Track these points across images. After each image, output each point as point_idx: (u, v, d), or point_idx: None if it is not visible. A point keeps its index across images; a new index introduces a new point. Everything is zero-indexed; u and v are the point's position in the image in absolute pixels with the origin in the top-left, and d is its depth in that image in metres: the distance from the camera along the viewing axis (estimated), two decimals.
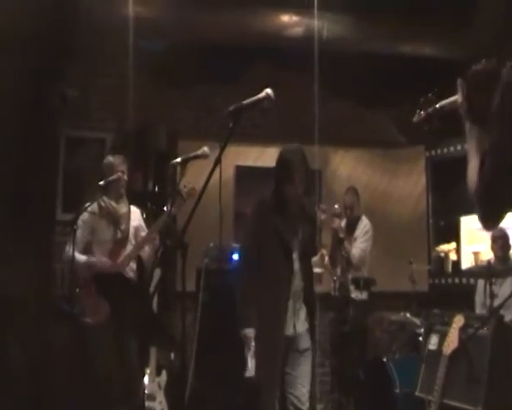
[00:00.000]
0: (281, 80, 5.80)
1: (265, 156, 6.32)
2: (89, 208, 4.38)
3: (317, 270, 4.14)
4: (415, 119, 2.28)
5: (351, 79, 5.89)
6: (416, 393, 3.84)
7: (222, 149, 2.25)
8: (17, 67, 4.95)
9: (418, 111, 2.25)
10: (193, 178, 4.27)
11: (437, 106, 2.18)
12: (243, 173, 6.27)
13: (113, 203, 4.43)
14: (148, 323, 2.66)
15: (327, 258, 5.10)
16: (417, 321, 4.66)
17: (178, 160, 3.19)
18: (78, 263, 4.24)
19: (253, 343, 3.21)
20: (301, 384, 3.34)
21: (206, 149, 3.20)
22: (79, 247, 4.37)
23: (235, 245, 5.40)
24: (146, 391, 4.21)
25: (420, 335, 4.50)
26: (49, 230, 5.68)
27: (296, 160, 3.51)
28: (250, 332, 3.23)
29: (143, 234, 4.46)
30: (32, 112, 5.28)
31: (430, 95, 2.26)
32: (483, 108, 1.86)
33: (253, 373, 3.18)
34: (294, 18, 5.51)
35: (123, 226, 4.42)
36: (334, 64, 5.36)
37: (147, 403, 4.12)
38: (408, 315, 4.80)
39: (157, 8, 5.41)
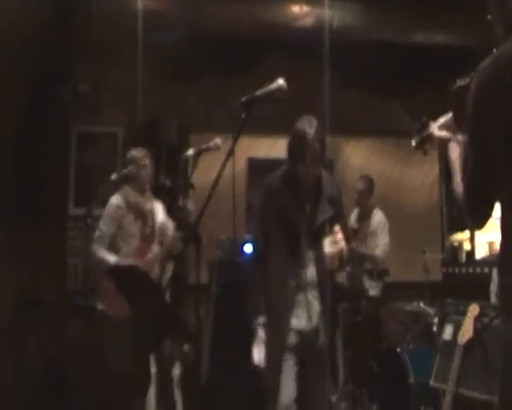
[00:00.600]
0: (292, 71, 5.72)
1: (277, 148, 6.30)
2: (114, 202, 4.35)
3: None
4: (413, 144, 2.40)
5: (363, 68, 5.86)
6: (431, 383, 3.83)
7: (235, 141, 2.24)
8: (29, 65, 4.97)
9: (414, 138, 2.37)
10: (205, 171, 4.27)
11: (430, 130, 2.29)
12: (255, 165, 6.26)
13: (140, 198, 4.39)
14: (161, 315, 2.66)
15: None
16: (431, 311, 4.63)
17: (190, 152, 3.19)
18: (105, 262, 4.21)
19: (263, 332, 3.02)
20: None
21: (218, 140, 3.21)
22: (105, 241, 4.34)
23: (248, 237, 5.40)
24: (160, 384, 4.23)
25: (434, 325, 4.48)
26: (62, 224, 5.72)
27: (309, 134, 3.07)
28: (261, 321, 3.04)
29: (169, 232, 4.40)
30: (43, 108, 5.31)
31: (424, 119, 2.35)
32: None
33: (263, 363, 3.00)
34: (305, 8, 5.48)
35: (150, 222, 4.38)
36: (346, 54, 5.34)
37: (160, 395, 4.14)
38: (422, 305, 4.77)
39: (166, 2, 5.41)
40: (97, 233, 4.36)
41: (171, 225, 4.44)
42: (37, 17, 4.85)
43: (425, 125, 2.41)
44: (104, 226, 4.34)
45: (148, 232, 4.33)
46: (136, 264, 4.08)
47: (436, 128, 2.30)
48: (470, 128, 1.84)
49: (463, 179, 1.89)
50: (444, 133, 2.27)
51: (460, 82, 2.13)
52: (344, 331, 5.26)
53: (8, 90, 4.75)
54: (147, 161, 4.40)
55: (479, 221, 1.91)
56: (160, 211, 4.51)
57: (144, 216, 4.35)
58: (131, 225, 4.34)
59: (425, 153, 2.49)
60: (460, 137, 2.14)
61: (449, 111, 2.30)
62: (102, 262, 4.23)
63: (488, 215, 1.87)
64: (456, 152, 2.08)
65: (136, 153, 4.43)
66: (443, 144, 2.26)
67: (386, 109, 6.53)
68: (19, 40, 4.74)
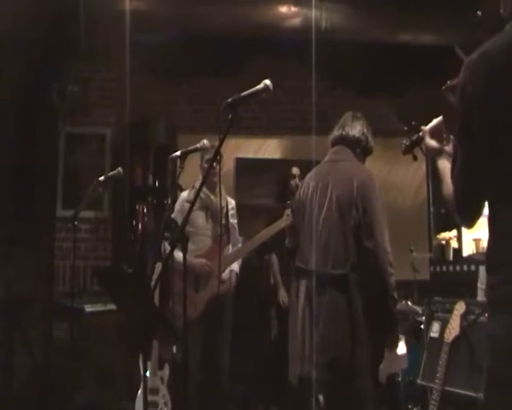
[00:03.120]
0: (280, 71, 5.80)
1: (265, 148, 6.33)
2: (184, 195, 4.32)
3: None
4: (402, 151, 2.41)
5: (350, 68, 5.89)
6: (418, 381, 3.86)
7: (221, 142, 2.24)
8: (15, 65, 4.95)
9: (404, 142, 2.38)
10: (193, 171, 4.28)
11: (420, 133, 2.30)
12: (243, 165, 6.28)
13: (212, 196, 4.28)
14: (149, 316, 2.66)
15: None
16: (419, 309, 4.66)
17: (178, 153, 3.19)
18: (175, 261, 4.20)
19: None
20: None
21: (205, 141, 3.21)
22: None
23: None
24: (149, 385, 4.22)
25: (422, 323, 4.51)
26: (50, 226, 5.70)
27: None
28: None
29: (237, 234, 4.40)
30: (31, 109, 5.28)
31: (413, 123, 2.35)
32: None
33: None
34: (293, 9, 5.49)
35: (223, 221, 4.28)
36: (333, 54, 5.35)
37: (150, 397, 4.12)
38: (409, 303, 4.80)
39: (154, 2, 5.40)
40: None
41: (235, 222, 4.45)
42: (25, 18, 4.83)
43: (415, 129, 2.41)
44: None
45: (220, 233, 4.22)
46: (205, 263, 4.16)
47: (427, 134, 2.30)
48: (459, 123, 1.83)
49: (452, 178, 1.90)
50: (434, 143, 2.26)
51: (450, 82, 2.14)
52: None
53: None
54: (206, 157, 4.20)
55: (469, 219, 1.93)
56: (232, 212, 4.45)
57: (215, 215, 4.24)
58: (202, 223, 4.28)
59: (414, 158, 2.50)
60: (449, 148, 2.18)
61: (439, 114, 2.30)
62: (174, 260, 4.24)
63: (479, 213, 1.89)
64: (444, 163, 2.11)
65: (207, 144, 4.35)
66: (432, 153, 2.26)
67: (374, 109, 6.54)
68: (6, 41, 4.73)
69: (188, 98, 6.32)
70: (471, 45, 2.04)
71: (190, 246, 4.15)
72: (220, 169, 4.09)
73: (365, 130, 3.26)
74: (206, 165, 4.23)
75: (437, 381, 3.50)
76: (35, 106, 5.37)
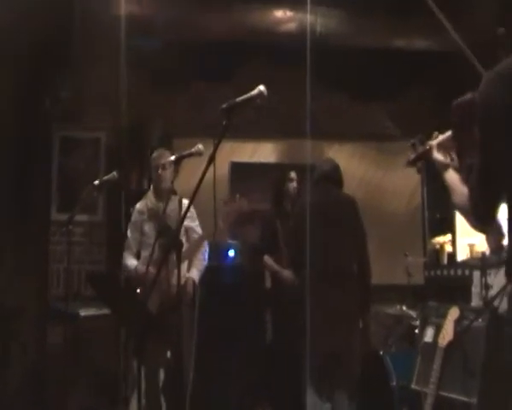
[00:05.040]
0: (275, 76, 5.81)
1: (260, 152, 6.35)
2: (137, 207, 4.32)
3: None
4: (406, 161, 2.44)
5: (345, 73, 5.90)
6: (412, 386, 3.86)
7: (215, 148, 2.25)
8: (9, 70, 4.95)
9: (410, 154, 2.41)
10: (187, 176, 4.28)
11: (427, 147, 2.32)
12: (238, 169, 6.29)
13: (159, 203, 4.22)
14: (143, 322, 2.66)
15: None
16: (413, 314, 4.67)
17: (172, 158, 3.20)
18: (126, 268, 4.20)
19: None
20: None
21: (200, 146, 3.21)
22: (131, 247, 4.31)
23: (231, 242, 5.42)
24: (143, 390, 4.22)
25: (416, 327, 4.52)
26: (44, 230, 5.69)
27: None
28: None
29: (196, 236, 4.25)
30: (25, 113, 5.28)
31: (419, 136, 2.38)
32: (469, 137, 2.03)
33: None
34: (288, 13, 5.51)
35: (174, 226, 4.07)
36: (328, 59, 5.36)
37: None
38: (404, 308, 4.81)
39: (149, 6, 5.41)
40: (126, 240, 4.37)
41: (199, 230, 4.32)
42: (19, 22, 4.83)
43: (421, 143, 2.43)
44: (129, 232, 4.35)
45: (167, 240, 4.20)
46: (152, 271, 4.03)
47: (435, 148, 2.33)
48: (481, 134, 1.88)
49: (469, 186, 1.96)
50: (442, 157, 2.29)
51: (462, 98, 2.21)
52: None
53: None
54: (160, 162, 4.23)
55: (486, 224, 2.01)
56: (188, 215, 4.24)
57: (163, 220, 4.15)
58: (150, 230, 4.24)
59: (419, 171, 2.52)
60: (456, 162, 2.24)
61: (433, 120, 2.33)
62: (125, 268, 4.24)
63: (495, 217, 1.96)
64: (452, 175, 2.19)
65: (155, 154, 4.33)
66: (439, 167, 2.29)
67: (368, 114, 6.57)
68: (10, 42, 4.73)
69: (183, 103, 6.32)
70: (463, 52, 2.06)
71: (142, 254, 4.22)
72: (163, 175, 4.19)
73: None
74: (153, 173, 4.24)
75: (431, 386, 3.51)
76: (29, 110, 5.37)
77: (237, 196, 3.96)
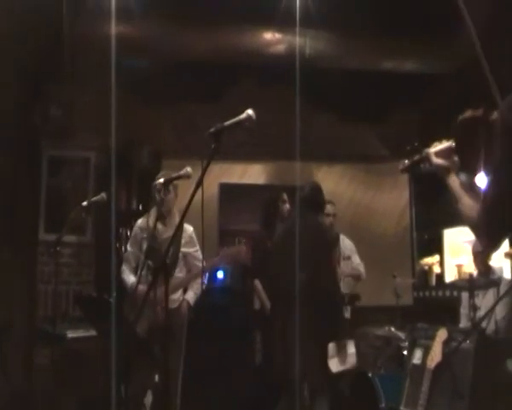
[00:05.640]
0: (264, 97, 5.84)
1: (249, 174, 6.36)
2: (138, 223, 4.36)
3: None
4: (400, 167, 2.44)
5: (333, 95, 5.94)
6: (401, 408, 3.85)
7: (203, 171, 2.26)
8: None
9: (405, 161, 2.41)
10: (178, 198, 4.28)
11: (423, 154, 2.32)
12: (227, 191, 6.29)
13: (159, 224, 4.19)
14: (131, 344, 2.65)
15: None
16: (402, 335, 4.67)
17: (161, 180, 3.20)
18: (125, 284, 4.22)
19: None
20: None
21: (188, 169, 3.22)
22: (131, 262, 4.33)
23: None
24: None
25: (405, 349, 4.51)
26: (32, 250, 5.65)
27: None
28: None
29: (196, 262, 4.27)
30: (13, 131, 5.27)
31: (415, 144, 2.38)
32: (473, 153, 2.04)
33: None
34: (277, 35, 5.55)
35: (171, 250, 4.03)
36: (317, 80, 5.41)
37: None
38: (392, 329, 4.80)
39: (140, 27, 5.43)
40: (125, 253, 4.40)
41: (197, 255, 4.33)
42: (9, 40, 4.84)
43: (416, 150, 2.42)
44: (129, 246, 4.37)
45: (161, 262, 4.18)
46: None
47: (433, 155, 2.32)
48: (503, 156, 1.86)
49: (485, 206, 1.93)
50: (441, 161, 2.27)
51: (470, 112, 2.17)
52: None
53: None
54: (170, 186, 4.12)
55: (497, 245, 2.00)
56: (188, 240, 4.35)
57: (160, 242, 4.13)
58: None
59: (412, 176, 2.52)
60: (454, 165, 2.21)
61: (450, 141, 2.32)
62: (124, 283, 4.26)
63: (505, 238, 1.96)
64: (456, 181, 2.16)
65: (159, 176, 4.23)
66: (440, 171, 2.28)
67: (357, 135, 6.62)
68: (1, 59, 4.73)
69: (172, 123, 6.34)
70: (453, 73, 2.09)
71: (138, 271, 4.18)
72: (175, 198, 4.20)
73: None
74: (157, 195, 4.17)
75: (420, 408, 3.51)
76: (18, 128, 5.35)
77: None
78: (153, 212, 4.36)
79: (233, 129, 2.34)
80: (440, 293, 5.76)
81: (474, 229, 1.99)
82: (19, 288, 5.32)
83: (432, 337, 3.78)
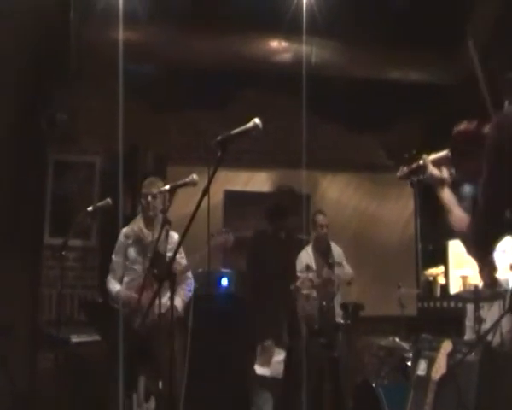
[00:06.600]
0: (270, 105, 5.85)
1: (254, 181, 6.35)
2: (123, 231, 4.31)
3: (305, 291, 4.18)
4: (398, 174, 2.45)
5: (339, 103, 5.95)
6: None
7: (210, 180, 2.25)
8: (5, 92, 4.96)
9: (402, 167, 2.42)
10: (181, 205, 4.28)
11: (421, 162, 2.34)
12: (232, 198, 6.29)
13: (145, 229, 4.24)
14: (135, 350, 2.64)
15: (317, 280, 5.10)
16: (406, 346, 4.64)
17: (167, 187, 3.19)
18: (110, 293, 4.16)
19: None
20: None
21: (194, 176, 3.21)
22: (116, 271, 4.29)
23: (224, 270, 5.40)
24: None
25: (409, 360, 4.49)
26: (37, 254, 5.65)
27: None
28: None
29: (179, 268, 4.16)
30: (19, 136, 5.28)
31: (413, 152, 2.40)
32: (468, 164, 2.12)
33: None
34: (283, 44, 5.56)
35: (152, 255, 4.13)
36: (323, 89, 5.41)
37: None
38: (397, 340, 4.78)
39: (147, 33, 5.45)
40: (111, 263, 4.35)
41: (183, 262, 4.26)
42: (15, 46, 4.85)
43: (415, 158, 2.43)
44: (114, 256, 4.33)
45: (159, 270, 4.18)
46: (135, 298, 3.94)
47: (430, 164, 2.34)
48: (489, 172, 1.93)
49: (474, 217, 1.99)
50: (437, 172, 2.29)
51: (464, 125, 2.20)
52: (319, 367, 5.25)
53: None
54: (151, 190, 4.22)
55: (487, 254, 2.12)
56: (173, 246, 4.36)
57: (145, 249, 4.18)
58: (135, 258, 4.23)
59: (412, 184, 2.51)
60: (448, 177, 2.25)
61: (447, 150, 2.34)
62: (109, 292, 4.22)
63: (497, 243, 2.00)
64: (448, 193, 2.21)
65: (147, 182, 4.33)
66: (434, 181, 2.29)
67: (363, 144, 6.61)
68: (7, 64, 4.74)
69: (178, 129, 6.35)
70: (457, 84, 2.11)
71: (125, 279, 4.19)
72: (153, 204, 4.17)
73: None
74: (143, 200, 4.23)
75: None
76: (24, 133, 5.36)
77: (223, 230, 4.02)
78: (138, 219, 4.34)
79: (239, 138, 2.34)
80: (445, 304, 5.74)
81: (464, 240, 2.04)
82: (23, 291, 5.32)
83: (436, 349, 3.76)
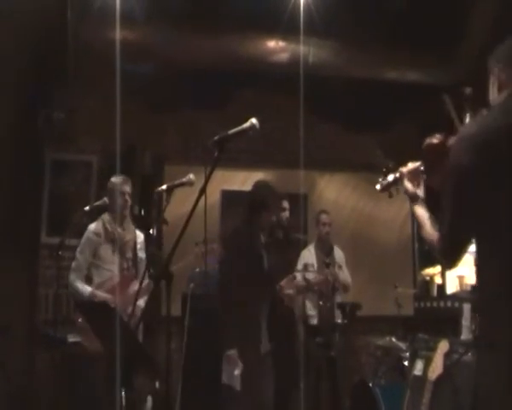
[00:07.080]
0: (267, 105, 5.85)
1: (251, 181, 6.32)
2: (92, 228, 4.23)
3: (289, 291, 4.13)
4: (377, 187, 2.52)
5: (337, 103, 5.95)
6: None
7: (206, 180, 2.25)
8: (2, 91, 4.95)
9: (380, 180, 2.48)
10: (178, 204, 4.27)
11: (397, 175, 2.40)
12: (229, 198, 6.28)
13: (119, 228, 4.22)
14: (132, 351, 2.64)
15: (300, 279, 5.08)
16: (403, 346, 4.65)
17: (164, 187, 3.19)
18: (81, 295, 4.09)
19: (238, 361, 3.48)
20: None
21: (191, 176, 3.21)
22: (82, 271, 4.22)
23: None
24: None
25: (405, 359, 4.50)
26: (34, 254, 5.65)
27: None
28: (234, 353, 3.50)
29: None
30: (16, 135, 5.27)
31: (390, 164, 2.45)
32: (436, 176, 2.25)
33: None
34: (281, 44, 5.56)
35: (128, 255, 4.20)
36: (320, 89, 5.42)
37: None
38: (393, 340, 4.79)
39: (144, 33, 5.44)
40: (74, 262, 4.25)
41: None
42: (13, 45, 4.85)
43: (391, 170, 2.50)
44: (79, 253, 4.23)
45: (127, 267, 4.16)
46: (111, 299, 3.96)
47: (406, 176, 2.40)
48: (451, 190, 2.01)
49: (440, 226, 2.07)
50: (411, 187, 2.37)
51: (431, 140, 2.33)
52: (317, 366, 5.26)
53: None
54: (126, 189, 4.23)
55: (453, 264, 2.14)
56: (142, 245, 4.34)
57: (122, 248, 4.17)
58: (109, 257, 4.18)
59: (390, 195, 2.58)
60: (421, 194, 2.35)
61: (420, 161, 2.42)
62: (77, 293, 4.13)
63: (463, 255, 2.08)
64: (420, 209, 2.28)
65: (116, 180, 4.30)
66: (408, 195, 2.37)
67: (360, 144, 6.61)
68: (5, 64, 4.74)
69: (175, 129, 6.34)
70: (455, 84, 2.13)
71: (96, 279, 4.14)
72: (128, 202, 4.18)
73: None
74: (119, 198, 4.19)
75: None
76: (21, 132, 5.36)
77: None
78: (106, 217, 4.29)
79: (237, 137, 2.34)
80: (442, 304, 5.73)
81: (434, 252, 2.13)
82: (20, 291, 5.32)
83: (433, 349, 3.77)
